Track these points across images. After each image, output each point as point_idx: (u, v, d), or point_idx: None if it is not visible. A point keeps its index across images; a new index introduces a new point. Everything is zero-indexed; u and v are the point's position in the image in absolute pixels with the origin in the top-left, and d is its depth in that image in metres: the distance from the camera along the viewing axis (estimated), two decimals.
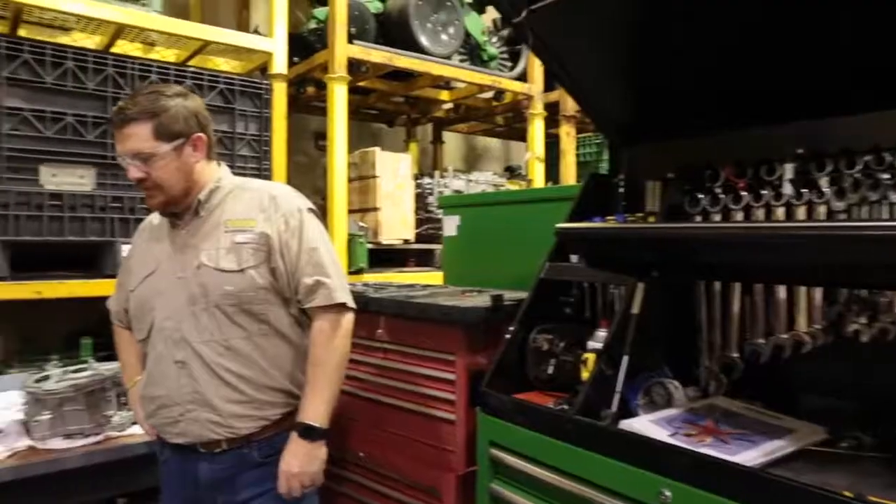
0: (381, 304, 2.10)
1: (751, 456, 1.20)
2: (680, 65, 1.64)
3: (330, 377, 1.67)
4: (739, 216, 1.52)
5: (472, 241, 2.81)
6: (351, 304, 1.73)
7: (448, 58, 4.29)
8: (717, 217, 1.56)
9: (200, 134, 1.67)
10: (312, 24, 4.13)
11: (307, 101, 4.75)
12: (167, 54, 3.65)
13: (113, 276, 1.91)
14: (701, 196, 1.59)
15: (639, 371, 1.49)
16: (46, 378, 2.15)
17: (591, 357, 1.51)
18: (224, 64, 3.85)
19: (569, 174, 4.90)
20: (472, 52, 4.64)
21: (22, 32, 3.26)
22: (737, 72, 1.54)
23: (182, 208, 1.70)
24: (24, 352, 3.60)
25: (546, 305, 1.80)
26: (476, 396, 1.74)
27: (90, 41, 3.43)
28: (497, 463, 1.63)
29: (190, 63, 3.62)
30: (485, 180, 4.65)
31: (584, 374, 1.51)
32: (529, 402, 1.61)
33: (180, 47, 3.62)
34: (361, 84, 4.38)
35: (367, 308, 2.09)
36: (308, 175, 5.27)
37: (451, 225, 2.91)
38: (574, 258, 1.79)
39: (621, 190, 1.91)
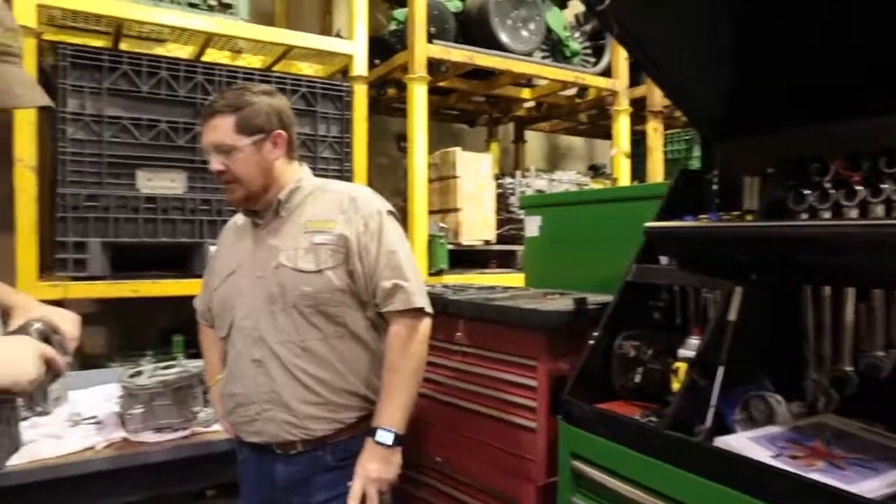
0: (460, 307, 2.05)
1: (873, 486, 1.05)
2: (779, 51, 1.50)
3: (406, 383, 1.64)
4: (854, 213, 1.37)
5: (555, 242, 2.72)
6: (429, 308, 1.70)
7: (529, 55, 4.20)
8: (827, 214, 1.41)
9: (281, 131, 1.68)
10: (392, 26, 4.15)
11: (388, 102, 4.78)
12: (253, 61, 3.76)
13: (202, 276, 1.97)
14: (807, 192, 1.45)
15: (736, 383, 1.37)
16: (139, 373, 2.23)
17: (682, 366, 1.40)
18: (307, 68, 3.93)
19: (656, 172, 4.70)
20: (554, 48, 4.53)
21: (123, 46, 3.44)
22: (845, 55, 1.39)
23: (262, 206, 1.72)
24: (124, 347, 3.81)
25: (633, 310, 1.69)
26: (558, 404, 1.66)
27: (183, 51, 3.58)
28: (579, 475, 1.54)
29: (275, 68, 3.72)
30: (568, 179, 4.53)
31: (675, 385, 1.40)
32: (614, 412, 1.52)
33: (266, 53, 3.72)
34: (442, 84, 4.37)
35: (446, 310, 2.05)
36: (389, 176, 5.30)
37: (532, 225, 2.84)
38: (663, 260, 1.68)
39: (715, 187, 1.78)
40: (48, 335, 1.26)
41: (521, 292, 2.39)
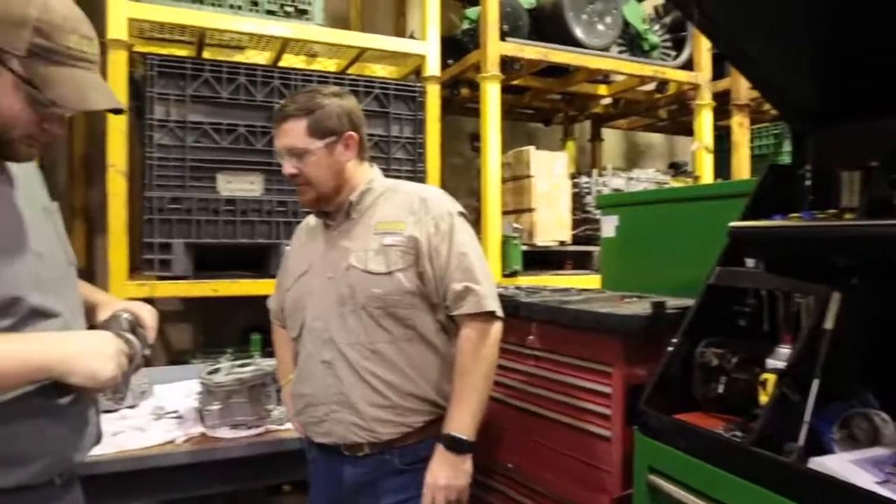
0: (533, 310, 2.00)
1: None
2: (879, 32, 1.36)
3: (477, 388, 1.61)
4: None
5: (632, 243, 2.61)
6: (500, 312, 1.67)
7: (605, 50, 4.08)
8: None
9: (352, 133, 1.68)
10: (465, 25, 4.12)
11: (462, 102, 4.76)
12: (328, 64, 3.83)
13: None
14: None
15: (833, 398, 1.25)
16: (217, 371, 2.29)
17: (770, 378, 1.30)
18: (381, 70, 3.97)
19: (742, 169, 4.46)
20: (632, 42, 4.39)
21: (205, 54, 3.58)
22: None
23: (334, 208, 1.72)
24: (206, 344, 3.96)
25: (715, 315, 1.59)
26: (634, 413, 1.58)
27: (261, 57, 3.68)
28: (655, 490, 1.46)
29: (349, 71, 3.77)
30: (646, 178, 4.37)
31: (763, 398, 1.30)
32: (695, 425, 1.42)
33: (340, 56, 3.77)
34: (515, 82, 4.31)
35: (519, 313, 2.00)
36: (463, 177, 5.28)
37: (609, 225, 2.74)
38: (750, 262, 1.56)
39: (808, 183, 1.65)
40: (135, 325, 1.33)
41: (597, 295, 2.31)
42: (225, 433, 2.12)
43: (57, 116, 1.17)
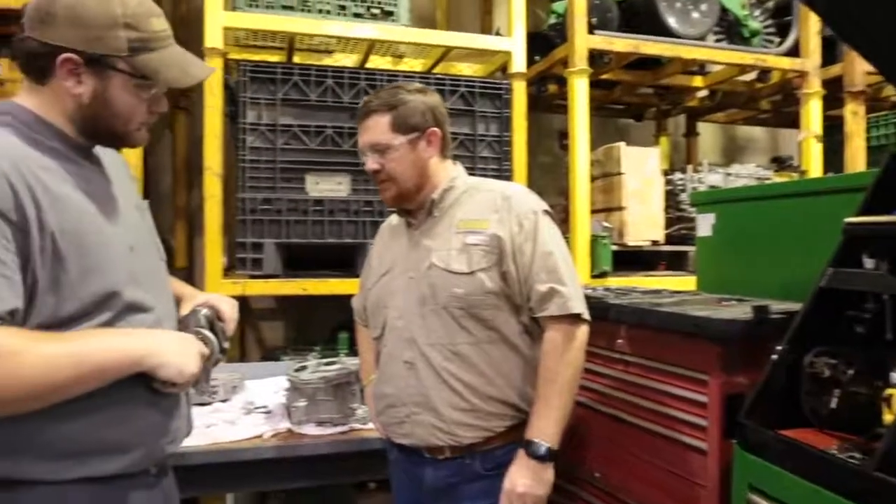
0: (623, 312, 1.90)
1: None
2: None
3: (561, 393, 1.54)
4: None
5: (731, 242, 2.45)
6: (586, 315, 1.60)
7: (702, 39, 3.87)
8: None
9: (435, 129, 1.66)
10: (552, 20, 4.03)
11: (549, 99, 4.67)
12: (414, 64, 3.84)
13: None
14: None
15: None
16: (304, 368, 2.33)
17: (895, 394, 1.16)
18: (466, 69, 3.94)
19: (856, 161, 4.10)
20: (730, 30, 4.14)
21: (295, 59, 3.67)
22: None
23: (415, 206, 1.70)
24: (296, 341, 4.07)
25: (827, 321, 1.44)
26: (733, 426, 1.46)
27: (348, 59, 3.74)
28: None
29: (434, 70, 3.76)
30: (746, 174, 4.11)
31: (887, 416, 1.16)
32: (803, 442, 1.29)
33: (426, 56, 3.78)
34: (605, 77, 4.16)
35: (608, 315, 1.91)
36: (552, 175, 5.17)
37: (705, 224, 2.58)
38: (868, 263, 1.41)
39: None
40: (213, 320, 1.36)
41: (692, 297, 2.17)
42: (310, 430, 2.15)
43: (159, 97, 1.24)
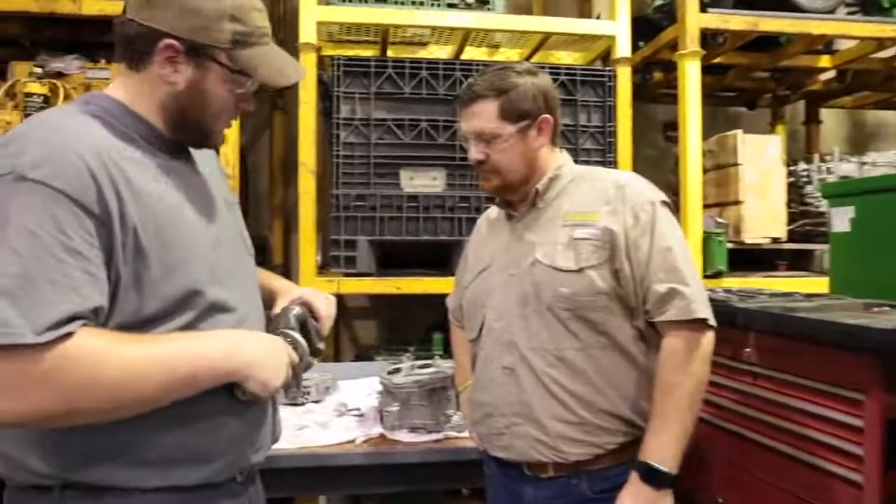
0: (752, 317, 1.67)
1: None
2: None
3: (682, 410, 1.35)
4: None
5: (873, 238, 2.14)
6: (712, 320, 1.40)
7: (831, 12, 3.47)
8: None
9: (548, 116, 1.50)
10: (658, 1, 3.75)
11: (653, 89, 4.38)
12: (510, 54, 3.68)
13: None
14: None
15: None
16: (397, 371, 2.24)
17: None
18: (566, 57, 3.75)
19: None
20: (865, 1, 3.70)
21: (389, 53, 3.61)
22: None
23: (518, 198, 1.56)
24: (390, 341, 4.01)
25: None
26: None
27: (443, 52, 3.64)
28: None
29: (532, 60, 3.59)
30: (885, 162, 3.65)
31: None
32: None
33: (522, 45, 3.61)
34: (717, 61, 3.83)
35: (733, 321, 1.68)
36: (657, 169, 4.85)
37: (841, 218, 2.28)
38: None
39: None
40: (305, 320, 1.29)
41: (833, 301, 1.90)
42: (403, 436, 2.06)
43: (248, 96, 1.19)
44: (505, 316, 1.51)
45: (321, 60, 3.30)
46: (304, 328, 1.29)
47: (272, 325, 1.28)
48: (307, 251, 3.01)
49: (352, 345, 4.51)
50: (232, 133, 2.96)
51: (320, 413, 2.28)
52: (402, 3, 3.19)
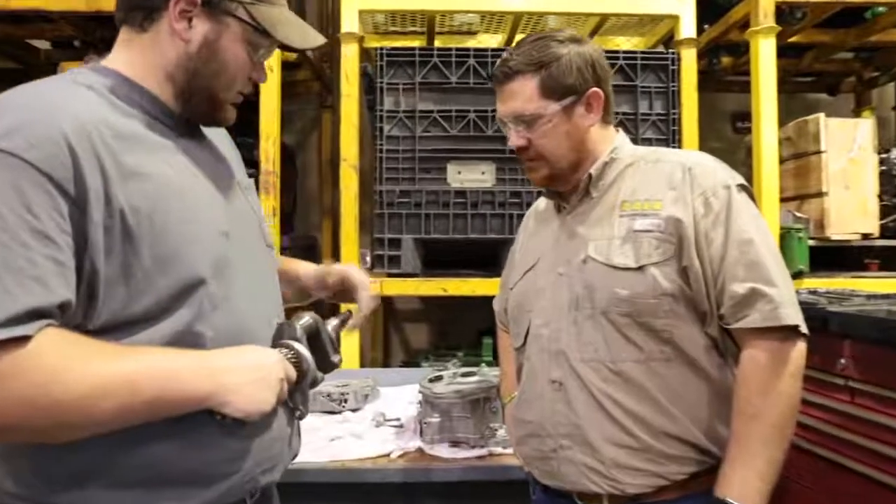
0: (848, 323, 1.42)
1: None
2: None
3: (769, 438, 1.11)
4: None
5: None
6: (804, 328, 1.15)
7: None
8: None
9: (597, 89, 1.29)
10: None
11: (720, 76, 4.08)
12: None
13: None
14: None
15: None
16: (439, 379, 2.06)
17: None
18: (625, 43, 3.53)
19: None
20: None
21: (437, 44, 3.45)
22: None
23: (569, 186, 1.35)
24: (437, 345, 3.85)
25: None
26: None
27: (493, 41, 3.47)
28: None
29: None
30: None
31: None
32: None
33: (578, 29, 3.38)
34: (793, 40, 3.50)
35: (824, 327, 1.44)
36: (726, 162, 4.54)
37: None
38: None
39: None
40: (317, 330, 1.14)
41: None
42: (443, 451, 1.87)
43: (261, 65, 1.10)
44: (553, 321, 1.31)
45: (366, 53, 3.17)
46: (315, 339, 1.15)
47: (277, 334, 1.13)
48: (349, 249, 2.89)
49: (402, 349, 4.38)
50: (271, 127, 2.87)
51: (357, 423, 2.12)
52: None
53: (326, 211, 4.37)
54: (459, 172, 2.93)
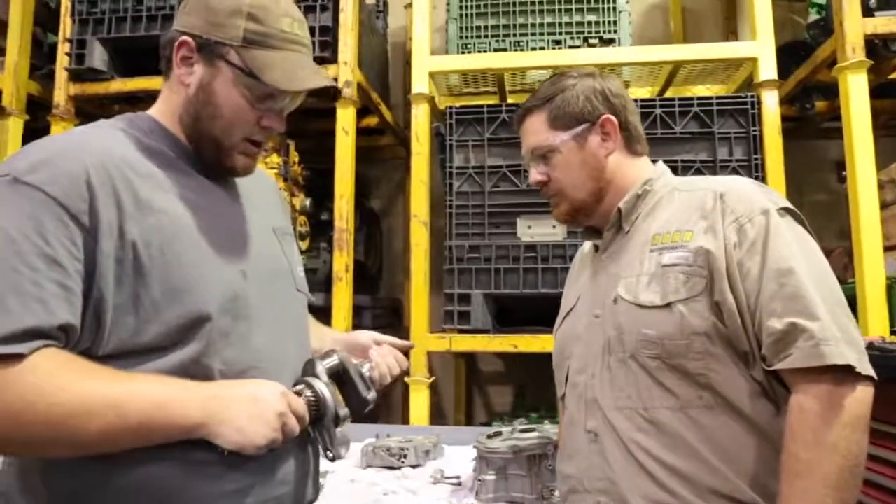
0: None
1: None
2: None
3: (822, 495, 0.96)
4: None
5: None
6: (863, 368, 0.99)
7: None
8: None
9: (610, 116, 1.25)
10: (812, 15, 3.30)
11: (818, 121, 3.84)
12: (641, 93, 3.41)
13: None
14: None
15: None
16: (497, 435, 1.98)
17: None
18: (705, 90, 3.40)
19: None
20: None
21: (510, 100, 3.49)
22: None
23: (594, 219, 1.30)
24: (516, 406, 3.72)
25: None
26: None
27: None
28: None
29: (665, 95, 3.29)
30: None
31: None
32: None
33: (653, 81, 3.33)
34: (893, 76, 3.26)
35: None
36: (831, 215, 4.22)
37: None
38: None
39: None
40: (343, 369, 1.13)
41: None
42: None
43: (275, 112, 1.09)
44: (589, 367, 1.23)
45: (440, 113, 3.26)
46: (343, 377, 1.14)
47: (302, 372, 1.13)
48: (419, 305, 2.89)
49: (484, 411, 4.27)
50: (345, 187, 2.98)
51: (414, 479, 2.06)
52: (522, 49, 3.09)
53: (410, 273, 4.42)
54: (529, 227, 2.89)
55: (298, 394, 1.05)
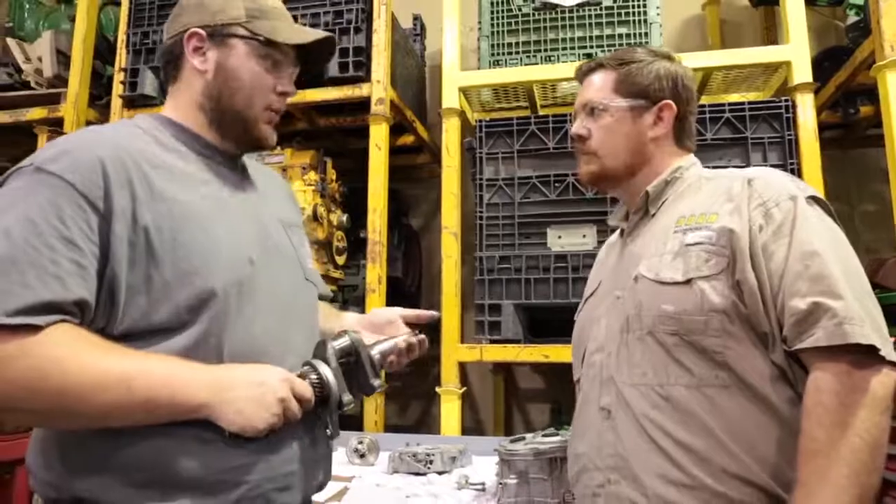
0: None
1: None
2: None
3: (843, 478, 0.93)
4: None
5: None
6: (887, 352, 0.97)
7: None
8: None
9: (671, 102, 1.27)
10: (851, 17, 3.22)
11: (865, 128, 3.71)
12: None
13: None
14: None
15: None
16: (521, 440, 1.97)
17: None
18: (738, 99, 3.32)
19: None
20: None
21: (542, 112, 3.50)
22: None
23: (621, 195, 1.34)
24: (552, 421, 3.66)
25: None
26: None
27: None
28: None
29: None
30: None
31: None
32: None
33: None
34: None
35: None
36: (883, 226, 4.03)
37: None
38: None
39: None
40: (355, 351, 1.14)
41: None
42: None
43: (287, 77, 1.20)
44: (606, 346, 1.23)
45: (473, 130, 3.30)
46: (353, 360, 1.15)
47: (313, 353, 1.15)
48: (450, 316, 2.89)
49: (524, 427, 4.21)
50: (377, 200, 3.03)
51: (439, 484, 2.07)
52: (553, 63, 3.11)
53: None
54: (560, 237, 2.88)
55: (303, 376, 1.07)
